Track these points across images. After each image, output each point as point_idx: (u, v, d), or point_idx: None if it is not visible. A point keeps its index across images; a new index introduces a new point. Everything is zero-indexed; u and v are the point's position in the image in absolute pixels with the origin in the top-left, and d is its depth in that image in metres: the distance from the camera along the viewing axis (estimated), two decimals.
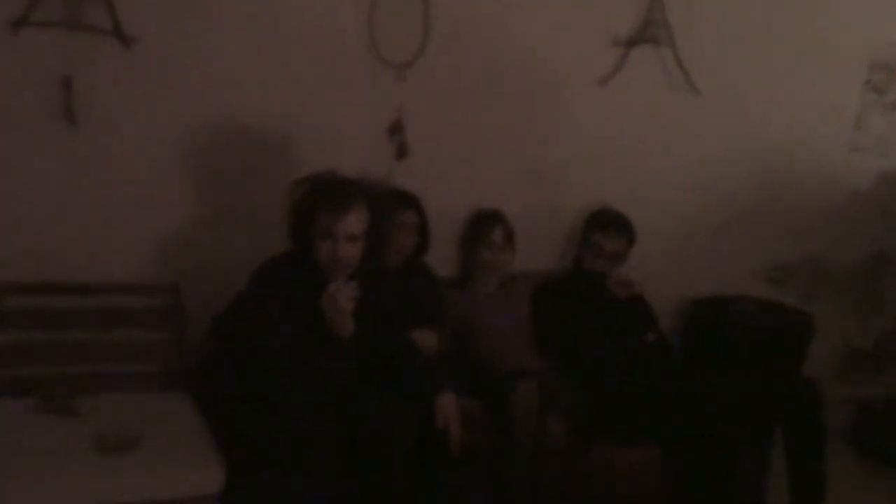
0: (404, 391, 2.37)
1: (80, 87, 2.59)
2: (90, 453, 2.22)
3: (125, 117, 2.68)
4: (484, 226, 3.10)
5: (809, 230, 3.74)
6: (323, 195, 2.31)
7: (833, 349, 3.87)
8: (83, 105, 2.60)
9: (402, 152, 2.99)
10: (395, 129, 2.97)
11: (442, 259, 3.11)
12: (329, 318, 2.26)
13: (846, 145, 3.72)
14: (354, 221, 2.30)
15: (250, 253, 2.45)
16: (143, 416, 2.47)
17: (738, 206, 3.58)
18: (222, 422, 2.42)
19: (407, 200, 2.89)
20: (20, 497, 2.07)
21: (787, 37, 3.46)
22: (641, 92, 3.30)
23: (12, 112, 2.58)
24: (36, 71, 2.55)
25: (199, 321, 2.66)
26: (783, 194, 3.65)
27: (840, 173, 3.73)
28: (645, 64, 3.26)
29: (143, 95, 2.68)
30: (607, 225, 3.11)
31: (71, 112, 2.58)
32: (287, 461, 2.25)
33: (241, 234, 2.83)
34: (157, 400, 2.63)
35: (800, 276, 3.80)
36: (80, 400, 2.50)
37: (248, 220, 2.83)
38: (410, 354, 2.50)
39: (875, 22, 3.60)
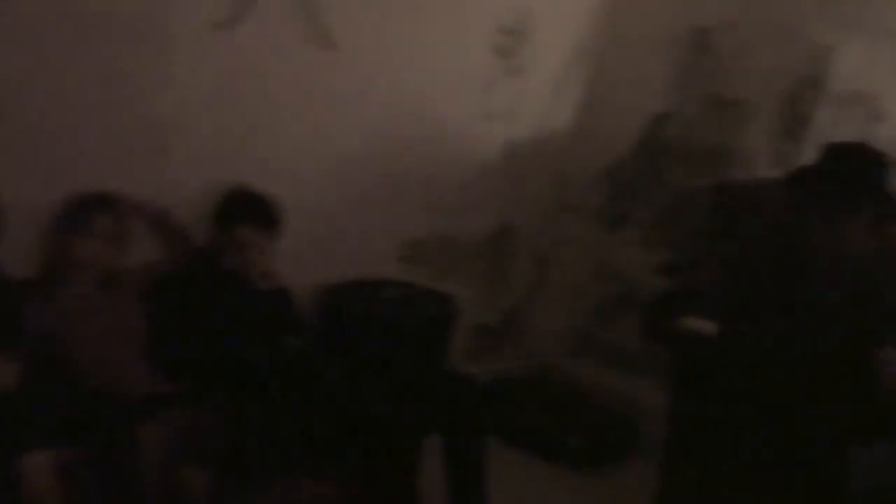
0: None
1: None
2: None
3: None
4: (85, 213, 2.38)
5: (439, 204, 3.55)
6: None
7: (464, 328, 3.71)
8: None
9: None
10: None
11: (16, 257, 2.34)
12: None
13: (476, 113, 3.57)
14: None
15: None
16: None
17: (373, 179, 3.27)
18: None
19: None
20: None
21: None
22: (271, 43, 2.78)
23: None
24: None
25: None
26: (414, 166, 3.41)
27: (470, 142, 3.59)
28: (276, 9, 2.75)
29: None
30: (247, 214, 2.58)
31: None
32: None
33: None
34: None
35: (431, 253, 3.61)
36: None
37: None
38: None
39: None
